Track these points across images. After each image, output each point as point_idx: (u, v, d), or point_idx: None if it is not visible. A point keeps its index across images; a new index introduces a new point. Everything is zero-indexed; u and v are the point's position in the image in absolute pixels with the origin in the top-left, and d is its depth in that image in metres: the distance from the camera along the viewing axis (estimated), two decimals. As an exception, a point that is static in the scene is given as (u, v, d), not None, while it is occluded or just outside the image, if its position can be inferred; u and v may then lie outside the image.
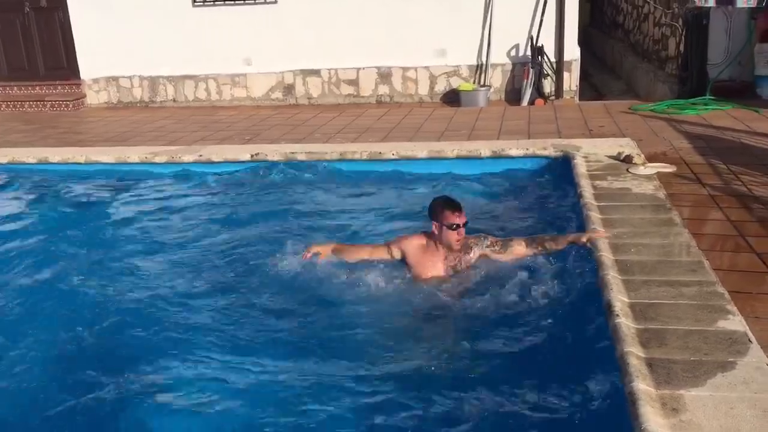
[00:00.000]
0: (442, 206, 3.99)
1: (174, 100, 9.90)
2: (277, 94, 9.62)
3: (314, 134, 7.37)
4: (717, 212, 4.36)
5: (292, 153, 6.37)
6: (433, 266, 4.04)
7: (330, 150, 6.41)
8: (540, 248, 4.06)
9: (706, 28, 7.76)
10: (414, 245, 4.11)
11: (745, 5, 6.91)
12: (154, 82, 9.93)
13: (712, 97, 7.48)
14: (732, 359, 2.72)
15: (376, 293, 3.94)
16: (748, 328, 2.93)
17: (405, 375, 3.27)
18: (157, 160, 6.54)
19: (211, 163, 6.41)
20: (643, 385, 2.56)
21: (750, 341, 2.83)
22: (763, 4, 6.83)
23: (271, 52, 9.45)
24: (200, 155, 6.50)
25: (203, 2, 9.45)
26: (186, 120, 8.66)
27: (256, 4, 9.34)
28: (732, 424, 2.36)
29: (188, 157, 6.49)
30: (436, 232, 4.01)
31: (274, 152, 6.41)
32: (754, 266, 3.59)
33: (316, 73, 9.46)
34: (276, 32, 9.34)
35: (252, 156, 6.38)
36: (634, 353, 2.78)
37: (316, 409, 3.06)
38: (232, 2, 9.39)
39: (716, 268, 3.52)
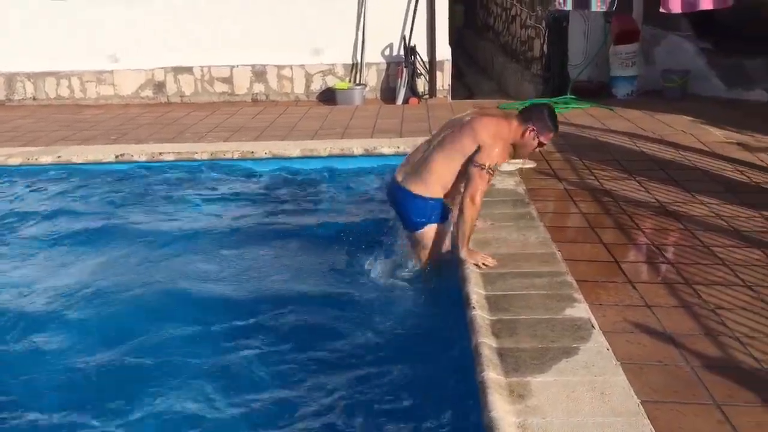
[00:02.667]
0: (551, 125, 3.78)
1: (34, 99, 9.30)
2: (148, 92, 9.26)
3: (185, 133, 7.15)
4: (571, 206, 4.60)
5: (160, 153, 6.15)
6: None
7: (200, 149, 6.24)
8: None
9: (566, 31, 8.19)
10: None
11: (598, 9, 7.33)
12: (10, 79, 9.28)
13: (573, 97, 7.89)
14: (576, 345, 2.88)
15: None
16: (592, 314, 3.11)
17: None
18: (11, 162, 6.12)
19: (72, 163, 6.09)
20: (493, 374, 2.66)
21: (593, 327, 3.01)
22: (614, 8, 7.27)
23: (140, 48, 9.07)
24: (59, 156, 6.15)
25: (64, -6, 8.94)
26: (47, 119, 8.16)
27: (121, -3, 8.95)
28: (573, 406, 2.49)
29: (46, 159, 6.12)
30: (520, 136, 3.77)
31: (140, 152, 6.17)
32: (601, 256, 3.81)
33: (188, 70, 9.17)
34: (145, 28, 8.97)
35: (117, 157, 6.11)
36: (486, 344, 2.88)
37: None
38: (95, -5, 8.94)
39: (567, 259, 3.71)
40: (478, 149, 3.70)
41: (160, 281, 4.16)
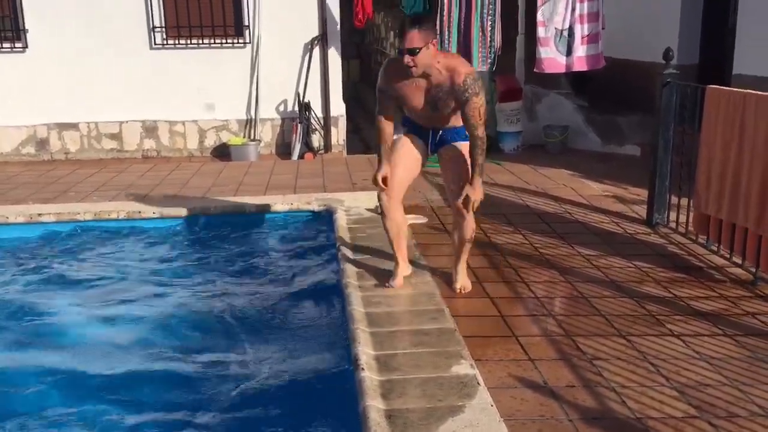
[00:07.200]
0: (400, 26, 3.62)
1: None
2: (29, 149, 8.85)
3: (68, 193, 6.85)
4: (460, 260, 4.70)
5: (39, 214, 5.85)
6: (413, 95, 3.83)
7: (83, 210, 5.98)
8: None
9: (454, 89, 8.50)
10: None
11: (479, 69, 7.68)
12: None
13: (463, 151, 8.16)
14: (461, 403, 2.91)
15: None
16: (478, 371, 3.16)
17: None
18: None
19: None
20: (380, 439, 2.64)
21: (479, 384, 3.05)
22: (494, 68, 7.66)
23: (20, 104, 8.70)
24: (-75, 220, 5.73)
25: (-64, 48, 8.49)
26: None
27: (1, 51, 8.58)
28: (458, 467, 2.50)
29: None
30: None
31: (16, 214, 5.84)
32: (488, 311, 3.90)
33: (73, 126, 8.86)
34: (26, 82, 8.64)
35: (-10, 219, 5.76)
36: (374, 406, 2.86)
37: None
38: (-28, 49, 8.55)
39: (456, 315, 3.78)
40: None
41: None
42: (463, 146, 3.95)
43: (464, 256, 4.17)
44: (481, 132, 3.79)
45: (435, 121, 3.96)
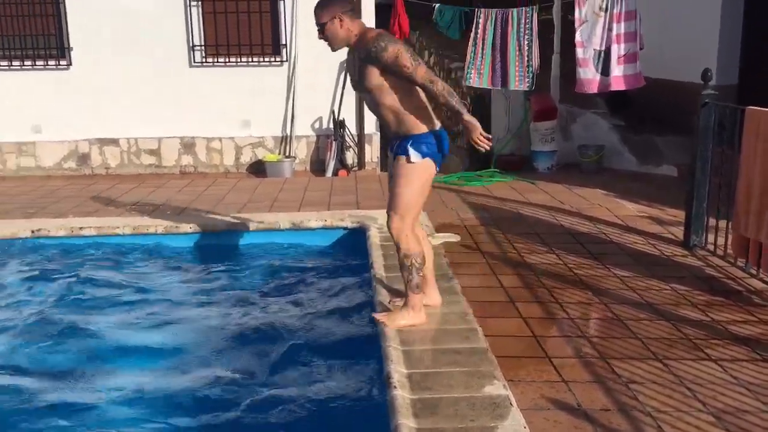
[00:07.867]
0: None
1: (-51, 169, 9.00)
2: (71, 164, 9.09)
3: (108, 207, 7.01)
4: (493, 279, 4.70)
5: (80, 228, 5.99)
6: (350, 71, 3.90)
7: (123, 224, 6.11)
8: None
9: (489, 106, 8.53)
10: None
11: (517, 88, 7.68)
12: (-76, 148, 8.98)
13: (497, 170, 8.16)
14: (494, 424, 2.89)
15: None
16: (510, 392, 3.14)
17: None
18: None
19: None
20: (411, 458, 2.64)
21: (511, 404, 3.03)
22: (533, 87, 7.64)
23: (64, 120, 8.96)
24: (-30, 232, 5.91)
25: (-15, 65, 8.80)
26: (-39, 191, 7.88)
27: (46, 69, 8.85)
28: (490, 489, 2.49)
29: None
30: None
31: (58, 228, 5.99)
32: (521, 331, 3.88)
33: (114, 141, 9.08)
34: (70, 98, 8.90)
35: (33, 232, 5.91)
36: (406, 425, 2.87)
37: None
38: (19, 66, 8.83)
39: (488, 335, 3.76)
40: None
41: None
42: (398, 160, 3.75)
43: (407, 277, 3.85)
44: (420, 77, 3.52)
45: (376, 111, 3.77)
